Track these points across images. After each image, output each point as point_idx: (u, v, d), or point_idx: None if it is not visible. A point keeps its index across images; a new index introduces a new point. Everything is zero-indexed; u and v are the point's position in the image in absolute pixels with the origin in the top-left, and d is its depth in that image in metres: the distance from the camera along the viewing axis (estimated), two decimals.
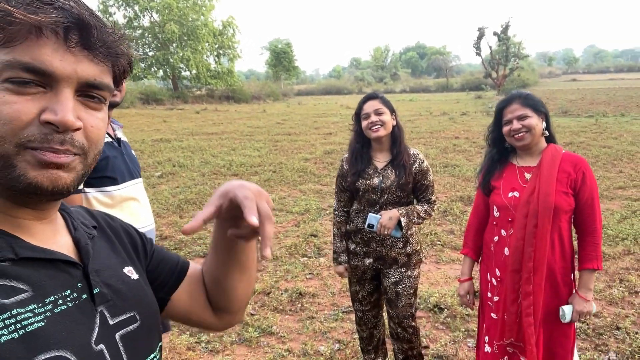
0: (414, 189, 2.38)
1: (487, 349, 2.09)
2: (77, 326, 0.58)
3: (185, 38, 33.48)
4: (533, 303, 1.89)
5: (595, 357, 2.80)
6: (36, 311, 0.54)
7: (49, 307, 0.56)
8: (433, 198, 2.40)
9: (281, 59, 51.76)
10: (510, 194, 1.98)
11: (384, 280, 2.44)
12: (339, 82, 59.33)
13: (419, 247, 2.45)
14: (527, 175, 1.97)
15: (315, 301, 3.65)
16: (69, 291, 0.60)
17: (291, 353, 2.95)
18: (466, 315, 3.31)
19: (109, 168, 1.93)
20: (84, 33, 0.57)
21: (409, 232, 2.38)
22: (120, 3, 32.90)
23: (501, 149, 2.09)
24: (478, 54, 35.77)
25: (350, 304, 2.69)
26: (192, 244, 4.91)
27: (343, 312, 3.45)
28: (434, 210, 2.39)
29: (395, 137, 2.35)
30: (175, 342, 3.05)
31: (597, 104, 20.27)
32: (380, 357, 2.65)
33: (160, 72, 35.03)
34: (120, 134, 2.14)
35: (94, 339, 0.60)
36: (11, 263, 0.56)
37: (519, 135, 1.93)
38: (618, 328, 3.09)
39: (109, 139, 2.02)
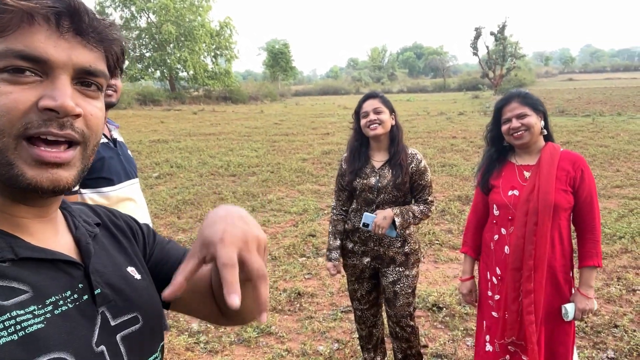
0: (411, 188, 2.38)
1: (489, 347, 2.09)
2: (77, 328, 0.57)
3: (183, 39, 33.42)
4: (534, 301, 1.90)
5: (593, 355, 2.80)
6: (36, 312, 0.54)
7: (49, 308, 0.55)
8: (430, 198, 2.39)
9: (278, 60, 51.77)
10: (509, 193, 1.99)
11: (382, 280, 2.44)
12: (336, 83, 59.30)
13: (417, 247, 2.44)
14: (526, 174, 1.97)
15: (313, 301, 3.65)
16: (69, 292, 0.59)
17: (290, 353, 2.95)
18: (465, 314, 3.32)
19: (104, 169, 1.92)
20: (76, 19, 0.56)
21: (407, 232, 2.38)
22: (117, 4, 32.82)
23: (500, 148, 2.09)
24: (475, 54, 35.79)
25: (349, 303, 2.69)
26: (191, 245, 4.89)
27: (342, 311, 3.45)
28: (431, 210, 2.38)
29: (394, 136, 2.35)
30: (173, 343, 3.04)
31: (593, 104, 20.33)
32: (379, 356, 2.65)
33: (158, 73, 34.97)
34: (116, 135, 2.13)
35: (94, 341, 0.59)
36: (11, 263, 0.55)
37: (518, 133, 1.93)
38: (616, 326, 3.10)
39: (105, 140, 2.01)
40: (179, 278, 0.56)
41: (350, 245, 2.46)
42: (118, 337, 0.63)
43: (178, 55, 32.86)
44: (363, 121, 2.31)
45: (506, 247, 1.99)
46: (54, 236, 0.63)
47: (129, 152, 2.23)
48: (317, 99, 38.88)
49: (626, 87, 30.91)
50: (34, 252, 0.57)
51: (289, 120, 18.17)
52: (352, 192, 2.41)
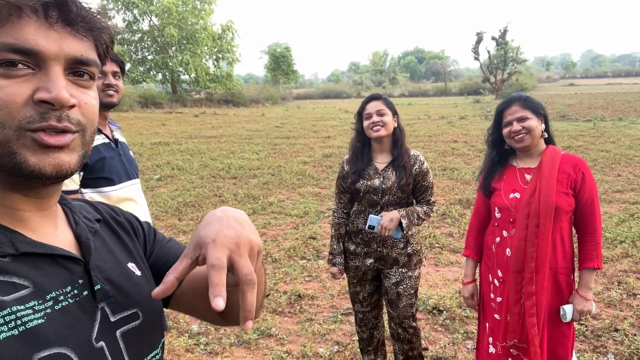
0: (413, 190, 2.39)
1: (492, 349, 2.09)
2: (77, 323, 0.57)
3: (185, 42, 33.56)
4: (536, 303, 1.89)
5: (594, 358, 2.80)
6: (36, 308, 0.54)
7: (50, 303, 0.55)
8: (432, 199, 2.41)
9: (280, 63, 51.94)
10: (511, 195, 1.99)
11: (384, 281, 2.44)
12: (337, 86, 59.50)
13: (419, 248, 2.45)
14: (528, 177, 1.98)
15: (314, 303, 3.64)
16: (69, 287, 0.59)
17: (290, 355, 2.94)
18: (465, 317, 3.31)
19: (105, 169, 1.93)
20: (64, 9, 0.56)
21: (410, 233, 2.39)
22: (119, 7, 32.95)
23: (501, 151, 2.10)
24: (476, 59, 35.87)
25: (349, 305, 2.69)
26: None
27: (342, 314, 3.44)
28: (433, 211, 2.40)
29: (397, 138, 2.36)
30: (173, 344, 3.04)
31: (595, 109, 20.34)
32: (380, 358, 2.64)
33: (159, 76, 35.10)
34: (118, 135, 2.14)
35: (94, 336, 0.59)
36: (11, 259, 0.55)
37: (519, 136, 1.94)
38: (616, 330, 3.09)
39: (107, 140, 2.02)
40: (170, 277, 0.56)
41: (352, 247, 2.45)
42: (118, 333, 0.63)
43: (180, 58, 32.97)
44: (366, 123, 2.32)
45: (508, 250, 1.99)
46: (54, 231, 0.63)
47: (131, 152, 2.24)
48: (318, 103, 38.94)
49: (627, 93, 30.94)
50: (35, 247, 0.57)
51: (290, 124, 18.19)
52: (354, 194, 2.41)
